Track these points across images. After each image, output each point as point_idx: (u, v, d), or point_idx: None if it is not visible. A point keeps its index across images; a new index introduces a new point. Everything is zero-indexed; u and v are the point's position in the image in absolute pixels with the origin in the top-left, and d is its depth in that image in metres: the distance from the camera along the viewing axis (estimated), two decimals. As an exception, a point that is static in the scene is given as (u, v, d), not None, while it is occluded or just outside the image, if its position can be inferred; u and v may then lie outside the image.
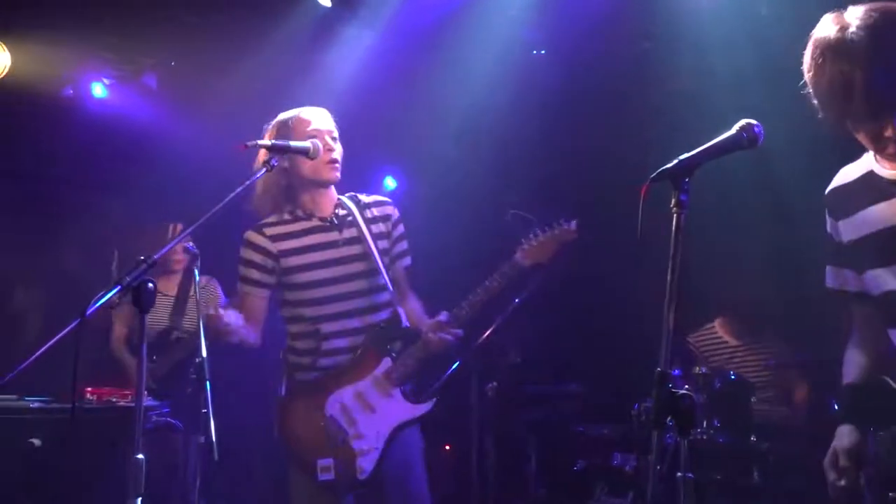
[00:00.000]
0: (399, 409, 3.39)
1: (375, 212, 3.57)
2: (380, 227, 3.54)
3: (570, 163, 5.91)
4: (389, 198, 3.68)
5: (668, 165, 2.20)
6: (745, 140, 2.23)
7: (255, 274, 3.41)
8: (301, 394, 3.40)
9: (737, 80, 5.09)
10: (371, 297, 3.45)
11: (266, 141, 3.21)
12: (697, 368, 4.61)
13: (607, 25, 5.18)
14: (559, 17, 5.20)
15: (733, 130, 2.24)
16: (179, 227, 5.01)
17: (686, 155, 2.20)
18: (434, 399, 3.43)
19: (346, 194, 3.61)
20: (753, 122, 2.24)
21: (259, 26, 5.45)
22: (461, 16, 5.28)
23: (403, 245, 3.60)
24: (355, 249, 3.47)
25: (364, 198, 3.61)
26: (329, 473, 3.25)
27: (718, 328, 5.32)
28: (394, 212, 3.62)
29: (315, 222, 3.46)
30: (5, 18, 5.38)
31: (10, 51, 5.48)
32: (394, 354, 3.44)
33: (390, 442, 3.34)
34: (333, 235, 3.46)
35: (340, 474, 3.25)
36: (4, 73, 5.48)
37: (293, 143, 3.28)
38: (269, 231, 3.44)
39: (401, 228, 3.62)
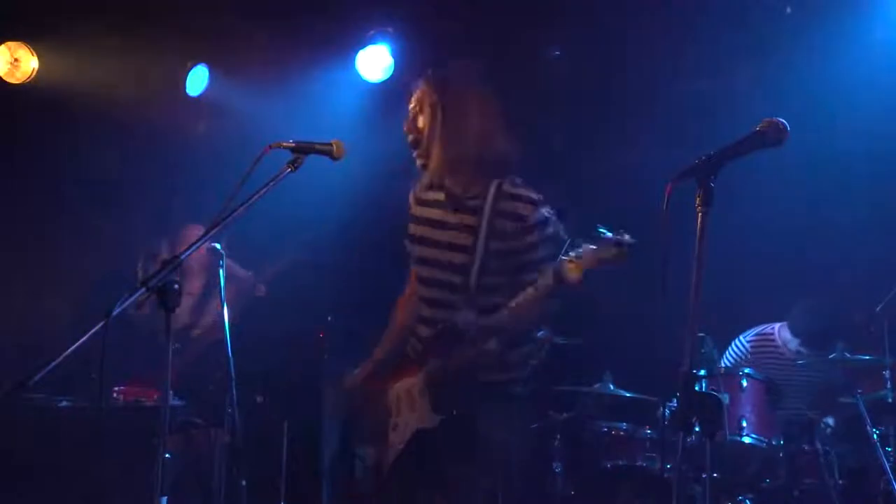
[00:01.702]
0: (424, 415, 3.19)
1: (509, 207, 3.15)
2: (504, 225, 3.14)
3: (594, 163, 5.87)
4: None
5: (693, 163, 2.18)
6: (769, 137, 2.20)
7: (408, 230, 3.36)
8: (374, 377, 3.37)
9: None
10: (451, 293, 3.21)
11: (289, 143, 3.19)
12: (722, 368, 4.57)
13: (627, 23, 5.16)
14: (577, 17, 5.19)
15: (758, 128, 2.22)
16: (193, 229, 5.02)
17: (710, 152, 2.19)
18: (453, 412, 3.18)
19: (498, 180, 3.19)
20: (779, 119, 2.21)
21: (297, 34, 5.48)
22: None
23: (533, 255, 3.13)
24: (461, 238, 3.21)
25: (509, 188, 3.17)
26: (369, 462, 3.27)
27: (777, 336, 5.12)
28: (532, 213, 3.12)
29: (440, 196, 3.28)
30: (35, 22, 5.43)
31: (38, 54, 5.53)
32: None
33: (410, 443, 3.19)
34: (448, 216, 3.25)
35: (378, 464, 3.25)
36: (32, 77, 5.53)
37: (317, 145, 3.26)
38: (416, 192, 3.38)
39: (536, 235, 3.13)
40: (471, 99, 3.25)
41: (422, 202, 3.35)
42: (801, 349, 4.97)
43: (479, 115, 3.22)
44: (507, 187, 3.19)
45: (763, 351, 5.12)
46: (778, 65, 5.16)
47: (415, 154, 3.29)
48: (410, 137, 3.31)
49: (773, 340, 5.13)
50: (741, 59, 5.24)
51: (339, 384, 3.55)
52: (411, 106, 3.33)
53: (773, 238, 5.45)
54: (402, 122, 3.32)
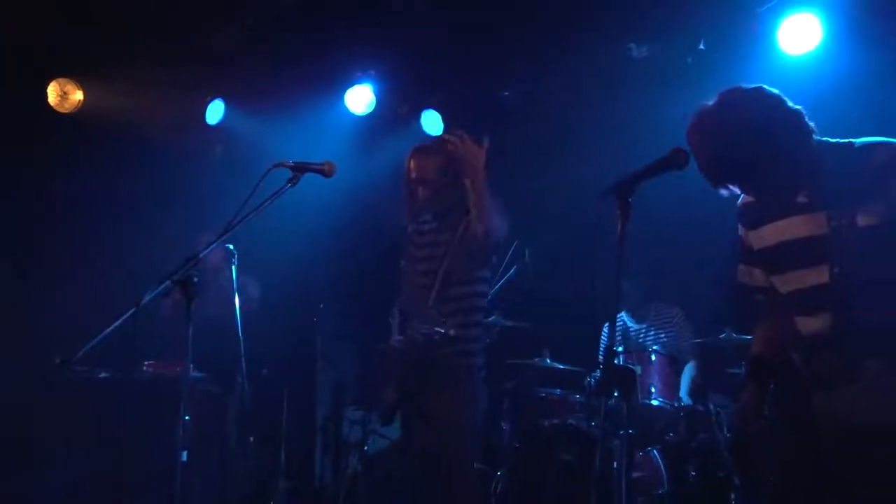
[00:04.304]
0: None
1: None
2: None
3: (555, 170, 5.76)
4: None
5: (611, 183, 2.19)
6: (675, 162, 2.21)
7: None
8: None
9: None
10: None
11: (290, 163, 3.15)
12: (636, 345, 4.60)
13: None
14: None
15: (665, 154, 2.22)
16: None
17: (623, 175, 2.20)
18: None
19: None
20: (683, 147, 2.23)
21: (297, 75, 5.42)
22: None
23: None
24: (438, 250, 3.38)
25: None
26: None
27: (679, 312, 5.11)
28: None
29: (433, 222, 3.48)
30: (80, 61, 5.35)
31: (84, 89, 5.46)
32: None
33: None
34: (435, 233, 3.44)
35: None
36: (78, 108, 5.46)
37: (313, 164, 3.22)
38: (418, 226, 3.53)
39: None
40: (470, 147, 3.34)
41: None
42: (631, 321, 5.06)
43: (480, 158, 3.30)
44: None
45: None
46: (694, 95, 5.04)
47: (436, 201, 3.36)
48: (427, 192, 3.35)
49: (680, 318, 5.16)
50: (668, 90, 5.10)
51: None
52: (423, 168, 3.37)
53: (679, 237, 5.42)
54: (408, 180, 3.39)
